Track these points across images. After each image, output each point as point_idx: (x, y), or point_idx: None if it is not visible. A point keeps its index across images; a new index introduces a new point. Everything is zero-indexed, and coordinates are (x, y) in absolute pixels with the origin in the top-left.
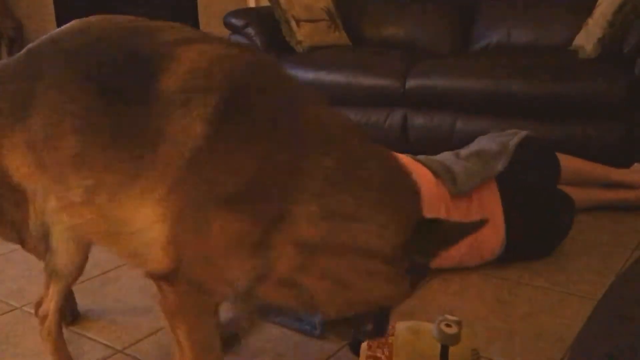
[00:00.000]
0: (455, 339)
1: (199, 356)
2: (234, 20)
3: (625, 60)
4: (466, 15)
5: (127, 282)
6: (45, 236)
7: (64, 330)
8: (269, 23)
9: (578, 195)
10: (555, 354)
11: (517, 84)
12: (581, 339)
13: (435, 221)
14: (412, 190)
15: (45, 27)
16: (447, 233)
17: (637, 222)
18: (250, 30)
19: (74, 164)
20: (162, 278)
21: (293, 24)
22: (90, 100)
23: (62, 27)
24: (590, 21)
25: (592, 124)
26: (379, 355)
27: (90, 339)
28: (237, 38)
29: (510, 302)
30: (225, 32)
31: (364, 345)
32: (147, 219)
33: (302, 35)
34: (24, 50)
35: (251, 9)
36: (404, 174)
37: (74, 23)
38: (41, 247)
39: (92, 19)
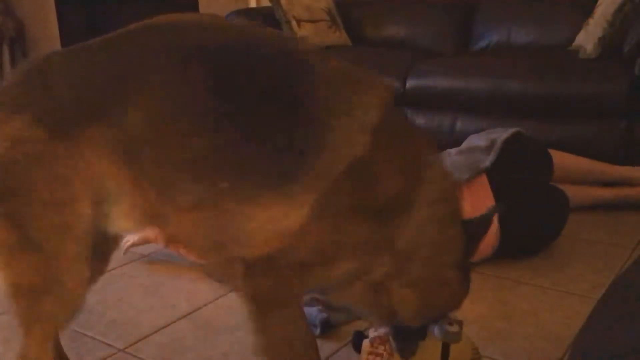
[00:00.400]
0: (456, 337)
1: (289, 347)
2: (235, 21)
3: (625, 60)
4: (466, 15)
5: (129, 281)
6: (96, 245)
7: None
8: (270, 23)
9: (578, 192)
10: (554, 353)
11: (517, 83)
12: (581, 338)
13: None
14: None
15: (47, 26)
16: (474, 230)
17: (636, 221)
18: None
19: (192, 166)
20: (262, 263)
21: (294, 24)
22: (216, 100)
23: (143, 25)
24: (590, 21)
25: (592, 123)
26: (380, 351)
27: (91, 338)
28: None
29: (510, 301)
30: None
31: (366, 341)
32: (280, 216)
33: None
34: (98, 41)
35: (252, 9)
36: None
37: (154, 20)
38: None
39: (180, 16)
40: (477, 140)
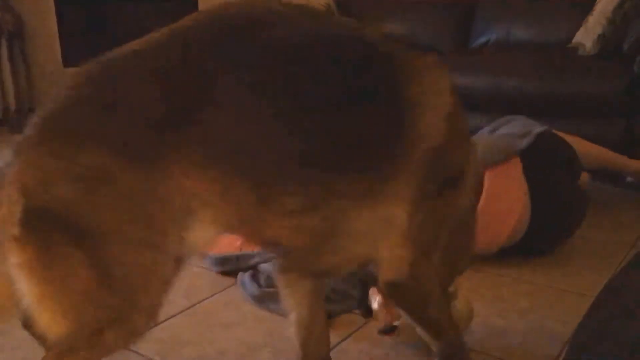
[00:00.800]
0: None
1: (450, 325)
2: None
3: (624, 58)
4: (466, 13)
5: None
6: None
7: None
8: None
9: (589, 148)
10: (552, 351)
11: (516, 81)
12: (578, 335)
13: None
14: None
15: (46, 23)
16: None
17: (634, 219)
18: None
19: (297, 168)
20: (403, 264)
21: None
22: (310, 98)
23: (212, 16)
24: (590, 18)
25: (591, 121)
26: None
27: None
28: None
29: (508, 298)
30: None
31: (379, 297)
32: (387, 215)
33: None
34: (165, 32)
35: None
36: None
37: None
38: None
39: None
40: (510, 127)
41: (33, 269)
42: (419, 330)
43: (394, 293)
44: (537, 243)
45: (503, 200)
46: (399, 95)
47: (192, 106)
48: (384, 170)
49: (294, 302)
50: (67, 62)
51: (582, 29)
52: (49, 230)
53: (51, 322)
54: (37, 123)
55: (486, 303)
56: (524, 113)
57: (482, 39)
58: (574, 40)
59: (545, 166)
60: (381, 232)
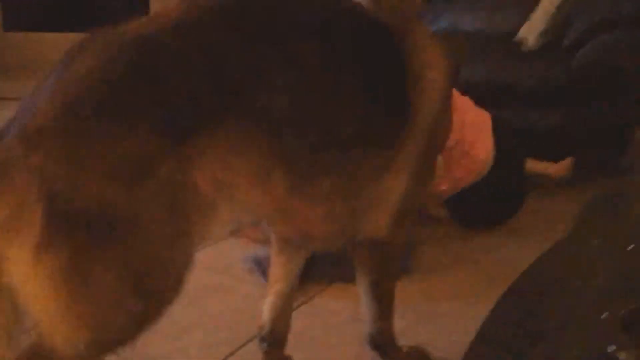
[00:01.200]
0: None
1: (391, 310)
2: None
3: (563, 54)
4: None
5: None
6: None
7: None
8: None
9: None
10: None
11: (462, 70)
12: (484, 325)
13: None
14: None
15: None
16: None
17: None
18: None
19: (331, 148)
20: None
21: None
22: (342, 76)
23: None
24: (533, 15)
25: (532, 112)
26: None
27: None
28: None
29: (438, 285)
30: None
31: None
32: (397, 184)
33: None
34: (196, 9)
35: None
36: None
37: None
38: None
39: None
40: None
41: (55, 279)
42: (365, 307)
43: (372, 250)
44: (480, 210)
45: (476, 130)
46: (405, 69)
47: (237, 87)
48: (395, 144)
49: (283, 272)
50: (8, 26)
51: (526, 24)
52: (76, 233)
53: (70, 335)
54: (55, 106)
55: (415, 286)
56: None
57: (430, 28)
58: (518, 35)
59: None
60: (381, 201)
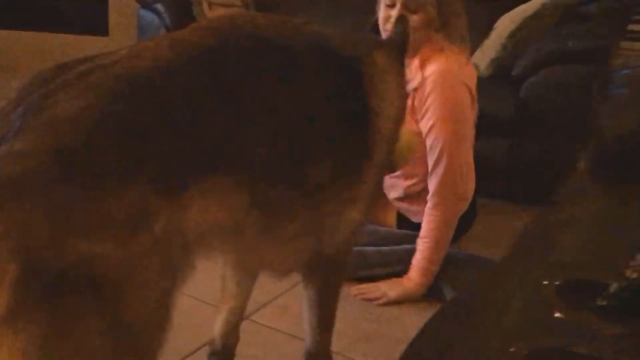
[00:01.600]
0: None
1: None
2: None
3: (513, 83)
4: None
5: None
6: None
7: None
8: (180, 2)
9: None
10: None
11: None
12: (414, 343)
13: None
14: None
15: None
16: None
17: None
18: (160, 7)
19: (305, 190)
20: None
21: (205, 5)
22: (314, 115)
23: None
24: (486, 42)
25: (482, 139)
26: None
27: None
28: (145, 13)
29: (378, 307)
30: (135, 6)
31: None
32: (356, 212)
33: None
34: (179, 48)
35: None
36: None
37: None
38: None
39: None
40: None
41: (28, 352)
42: (307, 318)
43: (321, 264)
44: None
45: None
46: (366, 106)
47: (223, 139)
48: (359, 179)
49: (236, 290)
50: None
51: (478, 52)
52: (56, 298)
53: None
54: (40, 150)
55: (358, 308)
56: None
57: None
58: (470, 61)
59: None
60: (342, 229)
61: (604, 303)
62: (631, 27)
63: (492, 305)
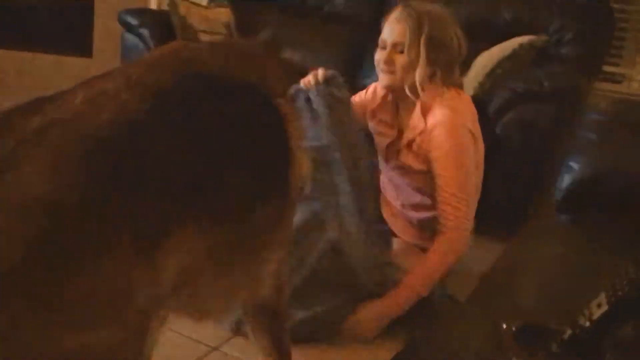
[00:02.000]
0: None
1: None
2: (129, 19)
3: (489, 120)
4: (356, 50)
5: None
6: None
7: None
8: (164, 27)
9: None
10: None
11: None
12: None
13: None
14: None
15: None
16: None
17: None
18: (144, 32)
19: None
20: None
21: (189, 32)
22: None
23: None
24: (465, 79)
25: None
26: None
27: None
28: (129, 37)
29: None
30: (119, 29)
31: None
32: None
33: None
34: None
35: (150, 10)
36: None
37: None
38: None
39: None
40: None
41: None
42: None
43: (271, 313)
44: None
45: None
46: (289, 149)
47: (192, 189)
48: (276, 221)
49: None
50: None
51: None
52: None
53: None
54: (16, 238)
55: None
56: None
57: (369, 81)
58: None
59: None
60: (271, 273)
61: (558, 351)
62: (605, 68)
63: (449, 345)
